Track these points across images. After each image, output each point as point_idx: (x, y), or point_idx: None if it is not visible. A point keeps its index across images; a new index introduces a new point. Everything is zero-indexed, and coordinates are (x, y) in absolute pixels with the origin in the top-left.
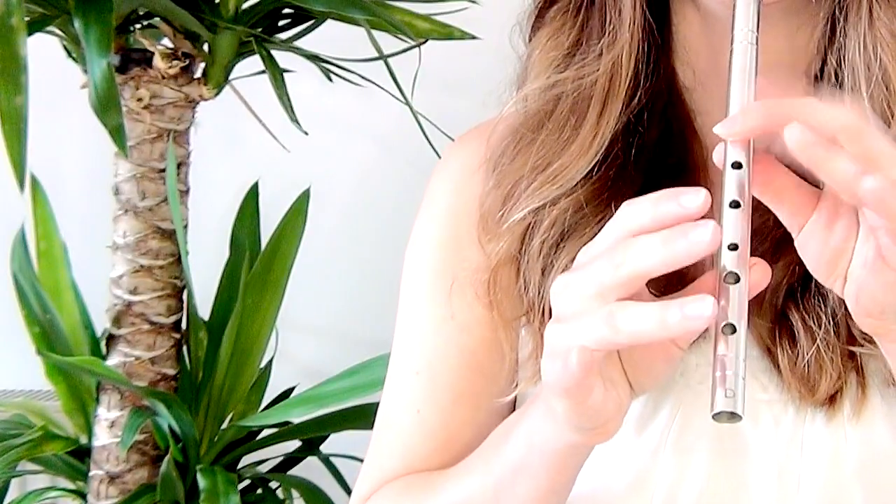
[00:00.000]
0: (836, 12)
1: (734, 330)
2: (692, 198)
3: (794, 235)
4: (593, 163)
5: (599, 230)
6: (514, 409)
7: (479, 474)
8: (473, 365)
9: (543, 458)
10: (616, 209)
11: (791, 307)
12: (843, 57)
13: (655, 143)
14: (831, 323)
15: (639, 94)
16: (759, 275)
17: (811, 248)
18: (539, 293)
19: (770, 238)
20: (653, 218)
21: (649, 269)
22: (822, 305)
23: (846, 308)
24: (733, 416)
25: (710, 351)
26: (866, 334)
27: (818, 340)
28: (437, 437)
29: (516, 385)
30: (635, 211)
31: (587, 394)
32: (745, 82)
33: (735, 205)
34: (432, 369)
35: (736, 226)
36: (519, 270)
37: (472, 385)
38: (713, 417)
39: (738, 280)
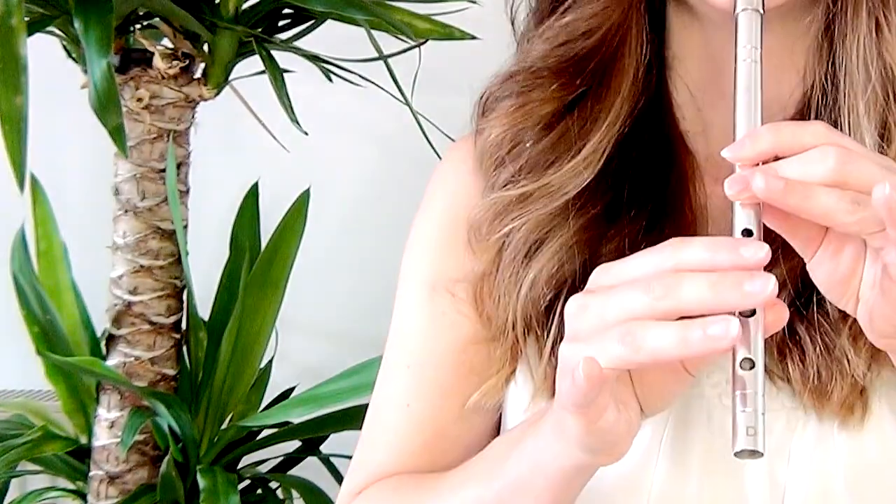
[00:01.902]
0: (834, 16)
1: (752, 365)
2: (753, 252)
3: (806, 260)
4: (586, 182)
5: (585, 248)
6: (502, 410)
7: (477, 487)
8: (464, 362)
9: (548, 477)
10: (605, 224)
11: (795, 318)
12: (840, 60)
13: (645, 156)
14: (833, 333)
15: (635, 114)
16: (775, 315)
17: (821, 273)
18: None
19: (777, 240)
20: (705, 264)
21: (692, 310)
22: (826, 315)
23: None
24: (754, 453)
25: None
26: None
27: (824, 348)
28: (425, 432)
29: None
30: (688, 252)
31: (600, 413)
32: (750, 104)
33: (747, 233)
34: (423, 364)
35: None
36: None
37: (462, 382)
38: (735, 455)
39: (753, 313)
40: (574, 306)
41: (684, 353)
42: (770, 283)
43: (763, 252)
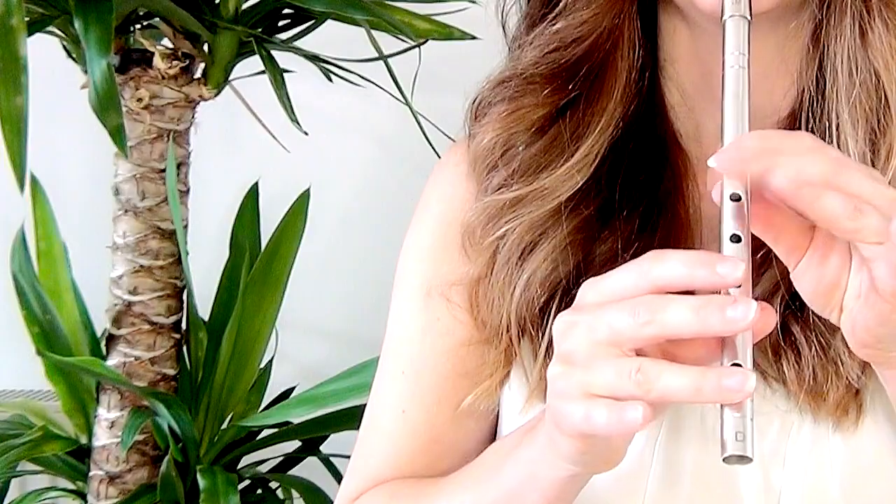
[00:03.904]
0: (820, 22)
1: None
2: (729, 270)
3: (790, 269)
4: (579, 185)
5: (578, 250)
6: (498, 414)
7: (472, 494)
8: (458, 367)
9: (542, 487)
10: (598, 226)
11: (790, 319)
12: (827, 66)
13: (638, 157)
14: (829, 334)
15: (628, 116)
16: (763, 320)
17: (806, 282)
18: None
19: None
20: (683, 281)
21: (676, 335)
22: (819, 319)
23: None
24: (743, 459)
25: None
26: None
27: (820, 349)
28: (421, 437)
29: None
30: (665, 268)
31: (600, 437)
32: (738, 111)
33: (736, 239)
34: (418, 370)
35: None
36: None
37: (457, 387)
38: (724, 460)
39: None
40: (562, 324)
41: (697, 400)
42: (751, 309)
43: (739, 271)
